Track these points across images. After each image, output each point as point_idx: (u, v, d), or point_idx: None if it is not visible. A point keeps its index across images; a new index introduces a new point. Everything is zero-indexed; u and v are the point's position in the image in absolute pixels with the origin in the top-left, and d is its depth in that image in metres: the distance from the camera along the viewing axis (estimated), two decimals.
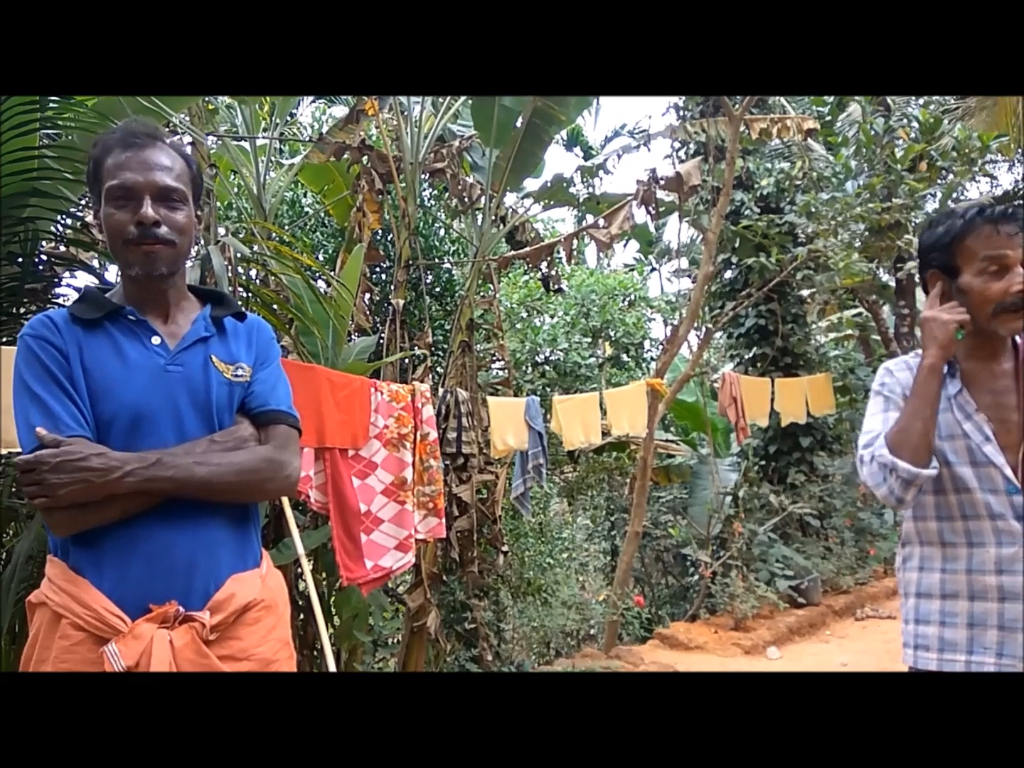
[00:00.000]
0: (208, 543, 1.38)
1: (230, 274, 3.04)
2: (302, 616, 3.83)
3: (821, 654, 5.62)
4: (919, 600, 1.66)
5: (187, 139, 4.25)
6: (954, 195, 8.66)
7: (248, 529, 1.49)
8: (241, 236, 3.71)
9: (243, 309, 1.59)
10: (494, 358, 7.23)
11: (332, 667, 2.79)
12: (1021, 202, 1.58)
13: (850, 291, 7.76)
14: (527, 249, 5.89)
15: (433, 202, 7.21)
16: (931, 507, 1.65)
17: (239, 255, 3.19)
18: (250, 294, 3.46)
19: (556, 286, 6.46)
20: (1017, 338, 1.65)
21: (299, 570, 3.36)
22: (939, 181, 7.03)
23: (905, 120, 7.04)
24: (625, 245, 14.05)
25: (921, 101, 8.11)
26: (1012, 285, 1.54)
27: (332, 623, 4.06)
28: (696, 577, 6.80)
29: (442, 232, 6.90)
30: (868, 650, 5.40)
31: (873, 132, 6.52)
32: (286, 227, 6.08)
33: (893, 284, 7.54)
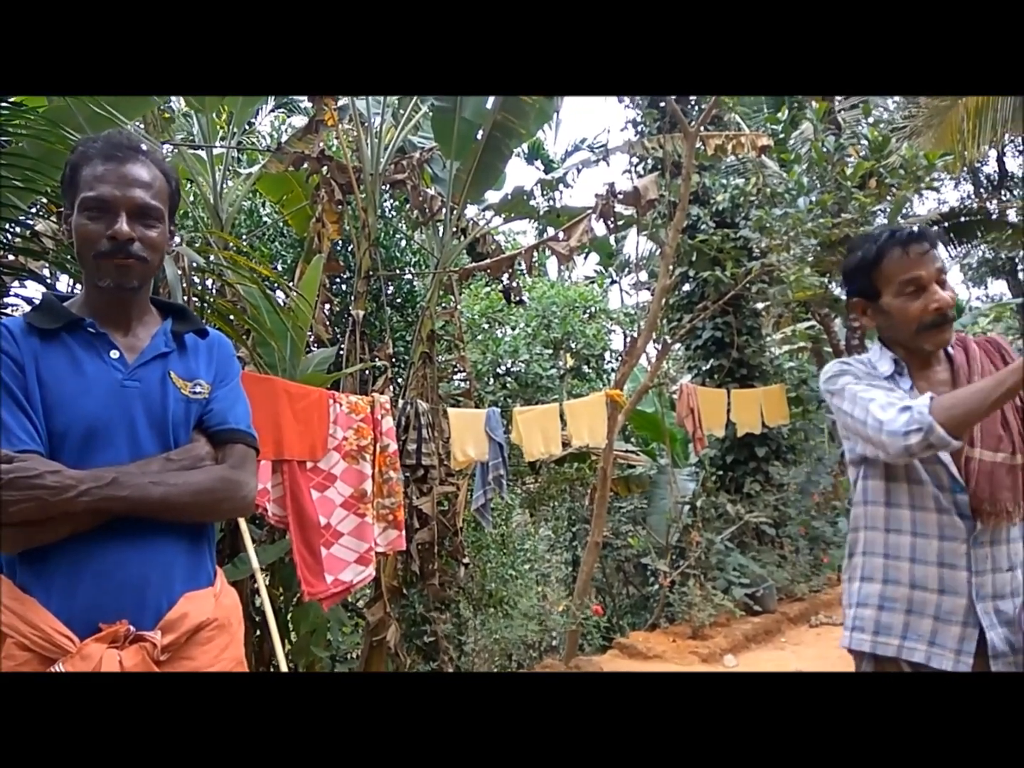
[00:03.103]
0: (160, 561, 1.36)
1: (184, 284, 3.00)
2: (258, 632, 3.76)
3: (777, 661, 5.70)
4: (862, 583, 1.70)
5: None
6: (903, 211, 8.95)
7: (202, 546, 1.47)
8: (196, 246, 3.66)
9: (205, 325, 1.57)
10: (455, 369, 7.23)
11: None
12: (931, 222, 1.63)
13: (803, 304, 7.94)
14: (488, 261, 5.92)
15: (394, 213, 7.20)
16: (882, 492, 1.68)
17: (194, 264, 3.15)
18: (205, 304, 3.42)
19: (517, 298, 6.50)
20: (950, 348, 1.71)
21: (255, 585, 3.31)
22: (888, 197, 7.25)
23: (855, 138, 7.27)
24: (585, 258, 14.20)
25: (871, 119, 8.37)
26: (929, 304, 1.60)
27: (289, 639, 4.00)
28: (656, 586, 6.86)
29: (403, 243, 6.90)
30: (822, 656, 5.50)
31: (824, 150, 6.70)
32: (244, 237, 6.01)
33: (844, 298, 7.73)
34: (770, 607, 6.77)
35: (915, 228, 1.64)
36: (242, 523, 2.83)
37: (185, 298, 3.28)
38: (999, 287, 17.44)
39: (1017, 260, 15.85)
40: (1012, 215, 12.99)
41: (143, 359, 1.42)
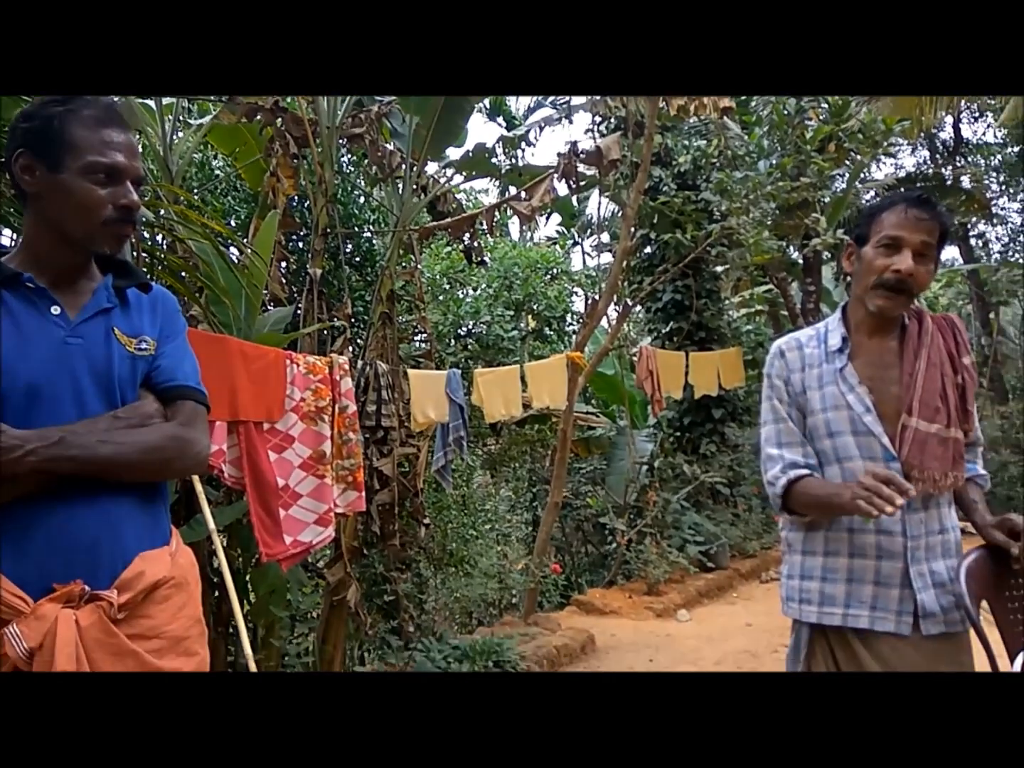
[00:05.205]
0: (113, 520, 1.34)
1: (133, 239, 2.90)
2: (216, 593, 3.74)
3: (728, 615, 5.89)
4: (804, 557, 1.77)
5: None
6: (860, 176, 9.05)
7: (156, 506, 1.45)
8: (146, 199, 3.53)
9: (148, 279, 1.53)
10: (416, 330, 7.16)
11: (246, 644, 2.75)
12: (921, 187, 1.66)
13: (761, 268, 8.04)
14: (449, 220, 5.82)
15: (352, 169, 7.03)
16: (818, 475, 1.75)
17: (143, 219, 3.05)
18: (156, 261, 3.32)
19: (479, 258, 6.42)
20: (906, 317, 1.75)
21: (212, 547, 3.28)
22: (846, 162, 7.32)
23: (816, 101, 7.30)
24: (547, 219, 14.10)
25: None
26: (893, 264, 1.63)
27: (248, 599, 3.98)
28: (614, 545, 6.99)
29: (362, 200, 6.75)
30: (771, 611, 5.68)
31: (785, 112, 6.72)
32: (195, 191, 5.81)
33: (801, 262, 7.84)
34: (723, 564, 6.97)
35: (927, 197, 1.66)
36: (197, 484, 2.79)
37: (134, 254, 3.18)
38: (951, 252, 17.82)
39: (969, 226, 16.20)
40: (966, 182, 13.25)
41: (85, 315, 1.38)
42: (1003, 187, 16.19)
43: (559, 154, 5.46)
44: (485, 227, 5.91)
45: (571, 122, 6.35)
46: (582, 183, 6.22)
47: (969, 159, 15.99)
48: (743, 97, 7.86)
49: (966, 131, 16.56)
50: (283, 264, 5.14)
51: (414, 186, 5.70)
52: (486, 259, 7.55)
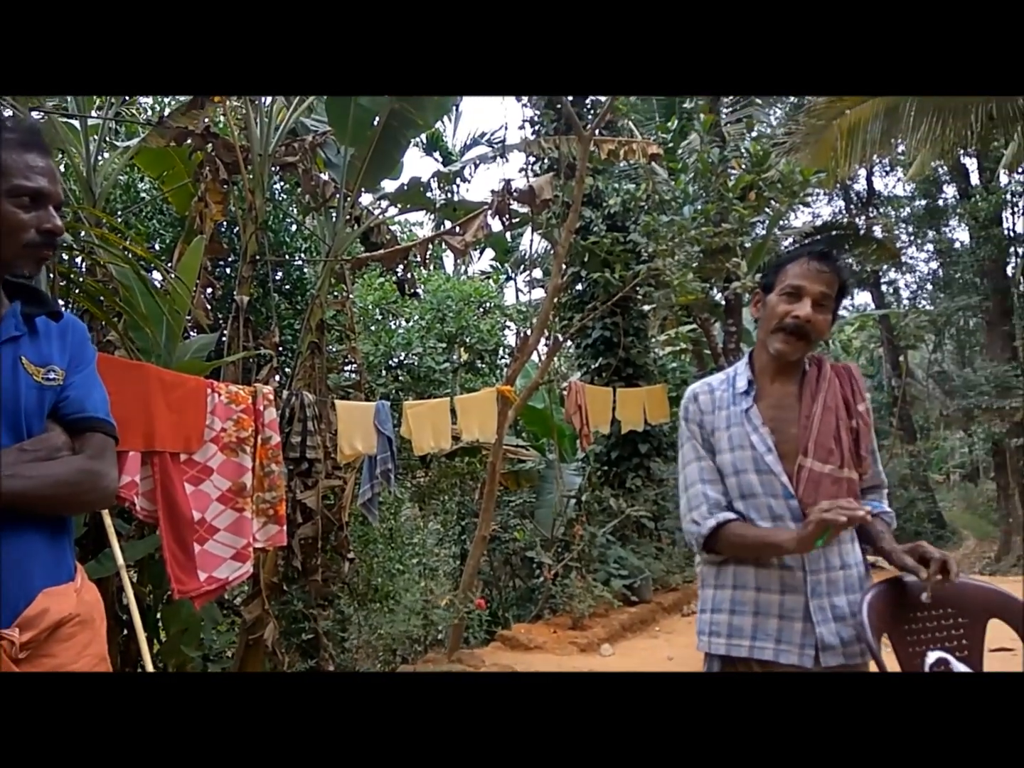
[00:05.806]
0: (16, 556, 1.29)
1: (48, 263, 2.80)
2: (125, 632, 3.57)
3: (650, 649, 5.94)
4: (716, 590, 1.83)
5: (7, 113, 3.85)
6: (779, 223, 9.50)
7: (61, 540, 1.40)
8: (65, 221, 3.41)
9: (58, 308, 1.49)
10: (346, 360, 7.10)
11: None
12: (822, 239, 1.78)
13: (685, 308, 8.30)
14: (382, 252, 5.84)
15: (284, 197, 6.97)
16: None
17: (62, 242, 2.95)
18: (72, 284, 3.21)
19: (412, 290, 6.44)
20: (807, 363, 1.85)
21: (121, 582, 3.14)
22: (766, 210, 7.68)
23: (738, 151, 7.66)
24: (481, 253, 14.26)
25: (754, 133, 8.83)
26: (794, 311, 1.74)
27: (159, 638, 3.82)
28: (541, 579, 7.00)
29: (293, 228, 6.69)
30: (692, 644, 5.73)
31: (710, 161, 7.02)
32: (119, 214, 5.66)
33: (723, 303, 8.14)
34: (646, 597, 7.05)
35: (829, 251, 1.78)
36: (106, 517, 2.68)
37: (51, 276, 3.07)
38: (864, 298, 18.85)
39: (880, 273, 17.18)
40: (877, 231, 14.08)
41: None
42: (912, 237, 17.29)
43: (493, 191, 5.57)
44: (419, 259, 5.95)
45: (506, 160, 6.47)
46: (515, 220, 6.34)
47: (881, 210, 17.02)
48: (670, 144, 8.18)
49: (878, 184, 17.68)
50: (209, 290, 5.03)
51: (347, 216, 5.69)
52: (419, 291, 7.57)
